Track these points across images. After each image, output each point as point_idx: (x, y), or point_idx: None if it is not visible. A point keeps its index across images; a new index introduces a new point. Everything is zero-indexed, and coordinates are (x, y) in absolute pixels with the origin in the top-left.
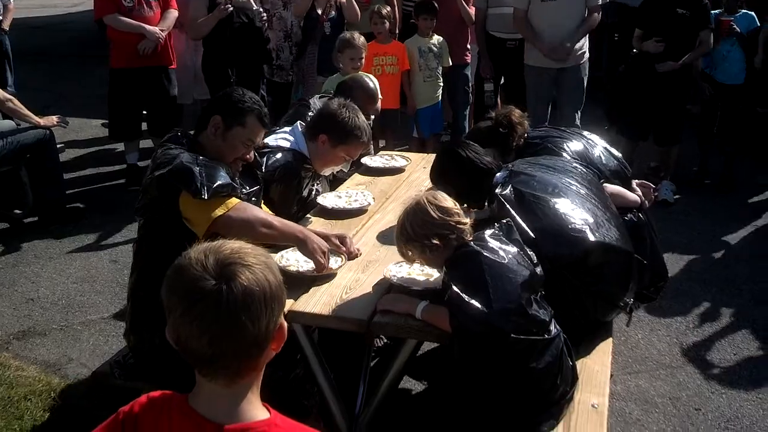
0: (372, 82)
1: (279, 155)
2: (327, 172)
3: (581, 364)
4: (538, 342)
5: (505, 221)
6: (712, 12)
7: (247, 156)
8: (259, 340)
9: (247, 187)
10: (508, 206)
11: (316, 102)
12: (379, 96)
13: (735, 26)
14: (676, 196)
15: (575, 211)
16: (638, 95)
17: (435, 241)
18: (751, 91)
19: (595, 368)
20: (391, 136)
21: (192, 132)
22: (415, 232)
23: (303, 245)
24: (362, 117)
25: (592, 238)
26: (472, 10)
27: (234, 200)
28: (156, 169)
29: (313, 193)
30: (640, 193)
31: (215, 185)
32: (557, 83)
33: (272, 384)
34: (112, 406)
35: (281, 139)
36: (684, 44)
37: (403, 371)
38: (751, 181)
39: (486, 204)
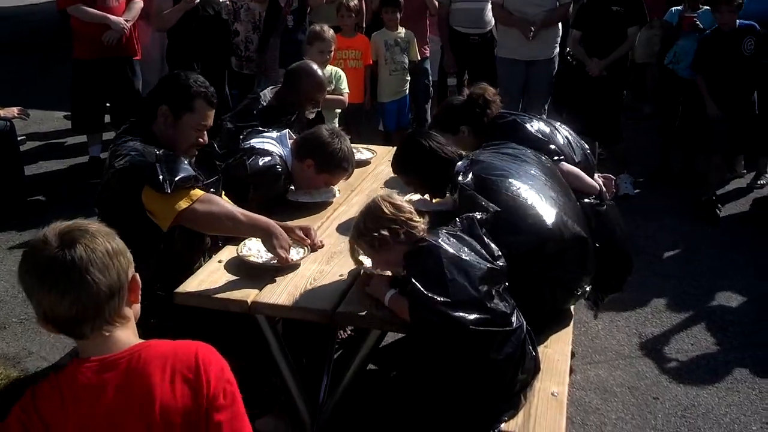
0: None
1: (267, 158)
2: (302, 192)
3: (541, 353)
4: (497, 333)
5: (465, 216)
6: (675, 8)
7: (201, 140)
8: (114, 291)
9: (204, 178)
10: (471, 192)
11: (267, 94)
12: (346, 89)
13: (698, 22)
14: (637, 190)
15: (533, 197)
16: (573, 95)
17: (384, 232)
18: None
19: (555, 357)
20: (356, 130)
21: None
22: (366, 227)
23: (267, 239)
24: (351, 148)
25: (549, 225)
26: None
27: (198, 192)
28: (114, 160)
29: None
30: (600, 182)
31: (177, 178)
32: (527, 75)
33: (235, 374)
34: None
35: (268, 143)
36: (617, 42)
37: (366, 361)
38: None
39: (448, 194)
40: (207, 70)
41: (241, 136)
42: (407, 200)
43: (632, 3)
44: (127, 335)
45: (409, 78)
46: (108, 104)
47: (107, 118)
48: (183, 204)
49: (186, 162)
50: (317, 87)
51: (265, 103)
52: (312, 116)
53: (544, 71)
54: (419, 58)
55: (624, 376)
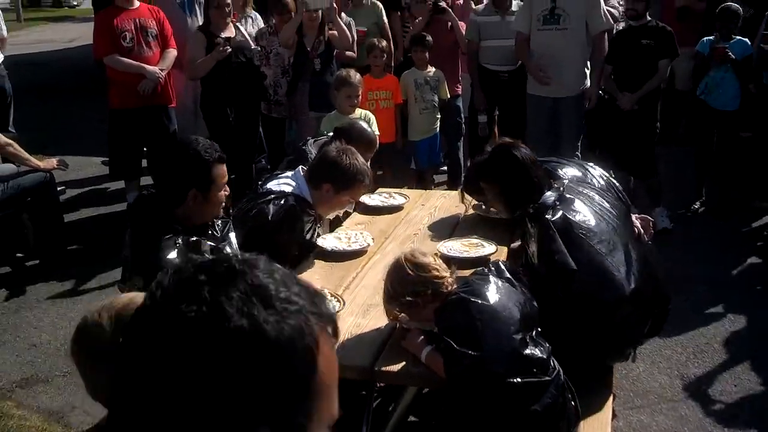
0: (370, 126)
1: (282, 201)
2: (332, 215)
3: (582, 403)
4: (535, 384)
5: (494, 262)
6: (707, 38)
7: (226, 194)
8: None
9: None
10: (554, 233)
11: (310, 147)
12: (377, 132)
13: (729, 53)
14: (673, 224)
15: (617, 252)
16: (605, 130)
17: (409, 299)
18: (743, 116)
19: (596, 404)
20: (389, 169)
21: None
22: (394, 289)
23: None
24: (361, 159)
25: (630, 286)
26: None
27: None
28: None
29: (315, 236)
30: (638, 225)
31: None
32: (556, 113)
33: None
34: None
35: (284, 184)
36: (647, 75)
37: (407, 414)
38: (746, 205)
39: (522, 216)
40: (240, 116)
41: (260, 182)
42: (437, 250)
43: (662, 36)
44: None
45: (439, 116)
46: (145, 149)
47: (144, 163)
48: None
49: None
50: (368, 147)
51: (311, 157)
52: None
53: (573, 108)
54: (449, 96)
55: (667, 422)
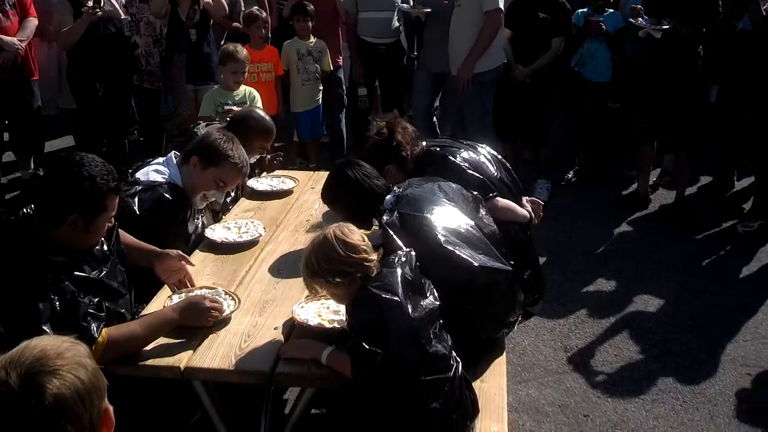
0: (267, 115)
1: (150, 192)
2: (199, 200)
3: (478, 389)
4: (441, 380)
5: (405, 251)
6: (581, 11)
7: (110, 225)
8: None
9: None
10: (391, 233)
11: (201, 130)
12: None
13: (603, 25)
14: (549, 193)
15: (459, 235)
16: (500, 98)
17: (338, 279)
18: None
19: (492, 391)
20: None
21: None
22: (320, 267)
23: (192, 319)
24: (240, 146)
25: (476, 263)
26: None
27: (100, 342)
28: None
29: (199, 227)
30: (529, 208)
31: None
32: (446, 87)
33: None
34: None
35: (153, 171)
36: (542, 49)
37: (306, 412)
38: (619, 174)
39: (376, 226)
40: (110, 88)
41: (130, 170)
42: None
43: (559, 11)
44: None
45: (321, 88)
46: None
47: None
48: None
49: (82, 312)
50: (266, 137)
51: None
52: (253, 161)
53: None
54: (332, 68)
55: (554, 394)
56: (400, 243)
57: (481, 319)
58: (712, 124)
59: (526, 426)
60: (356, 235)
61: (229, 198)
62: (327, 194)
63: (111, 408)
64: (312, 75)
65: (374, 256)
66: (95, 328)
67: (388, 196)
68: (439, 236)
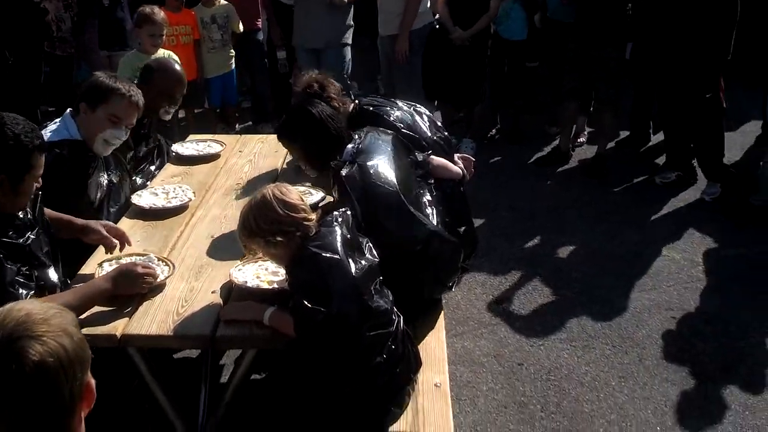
0: (178, 63)
1: (46, 154)
2: (102, 146)
3: (419, 343)
4: (383, 335)
5: (341, 210)
6: None
7: (37, 186)
8: (66, 407)
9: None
10: (348, 189)
11: None
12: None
13: None
14: (475, 152)
15: (413, 196)
16: (434, 60)
17: (279, 238)
18: (531, 46)
19: (432, 345)
20: (190, 109)
21: None
22: (259, 226)
23: (120, 289)
24: (127, 80)
25: (431, 227)
26: None
27: None
28: None
29: (105, 183)
30: (461, 165)
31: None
32: (389, 48)
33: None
34: None
35: (49, 132)
36: (480, 11)
37: (248, 375)
38: (539, 131)
39: (330, 170)
40: (20, 57)
41: None
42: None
43: None
44: None
45: (233, 53)
46: None
47: None
48: None
49: (8, 277)
50: (177, 84)
51: None
52: (168, 117)
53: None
54: (241, 30)
55: (489, 345)
56: (355, 200)
57: (426, 280)
58: (629, 79)
59: (463, 377)
60: (294, 194)
61: (154, 166)
62: (286, 132)
63: (93, 382)
64: (217, 42)
65: (313, 216)
66: (24, 296)
67: (349, 146)
68: (401, 195)
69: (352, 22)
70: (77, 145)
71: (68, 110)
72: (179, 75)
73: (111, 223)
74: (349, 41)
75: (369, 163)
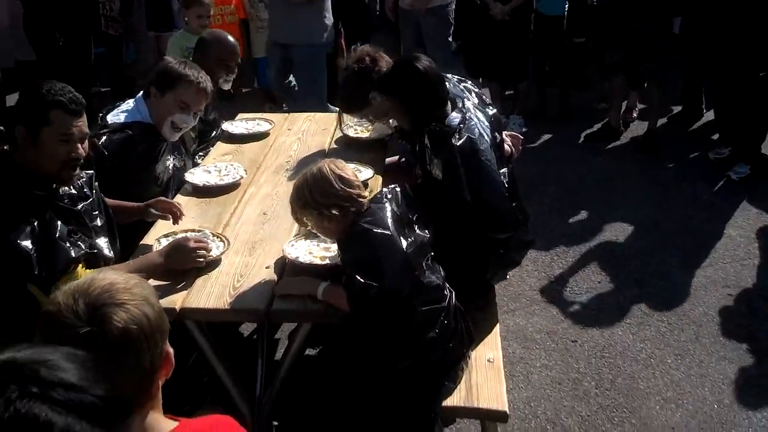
0: (232, 37)
1: (119, 134)
2: (170, 131)
3: (471, 319)
4: (435, 310)
5: (390, 187)
6: None
7: (74, 155)
8: (147, 374)
9: (81, 204)
10: (458, 163)
11: None
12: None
13: None
14: (524, 129)
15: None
16: (476, 37)
17: (334, 212)
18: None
19: (485, 320)
20: (238, 88)
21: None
22: (314, 198)
23: (173, 263)
24: (196, 66)
25: (521, 216)
26: None
27: (79, 271)
28: None
29: (170, 169)
30: (509, 143)
31: (57, 269)
32: (422, 26)
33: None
34: None
35: (121, 112)
36: None
37: (303, 349)
38: (588, 108)
39: (425, 137)
40: (71, 39)
41: (101, 113)
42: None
43: None
44: (157, 420)
45: None
46: None
47: None
48: None
49: (60, 233)
50: (231, 55)
51: None
52: (228, 86)
53: (438, 19)
54: None
55: (541, 322)
56: (463, 172)
57: (492, 264)
58: (680, 55)
59: (516, 353)
60: (349, 170)
61: (206, 143)
62: (387, 84)
63: (172, 351)
64: (265, 21)
65: (366, 192)
66: (75, 252)
67: (453, 113)
68: (500, 177)
69: (328, 22)
70: (147, 128)
71: (141, 92)
72: (233, 44)
73: (165, 198)
74: (323, 41)
75: (477, 139)
